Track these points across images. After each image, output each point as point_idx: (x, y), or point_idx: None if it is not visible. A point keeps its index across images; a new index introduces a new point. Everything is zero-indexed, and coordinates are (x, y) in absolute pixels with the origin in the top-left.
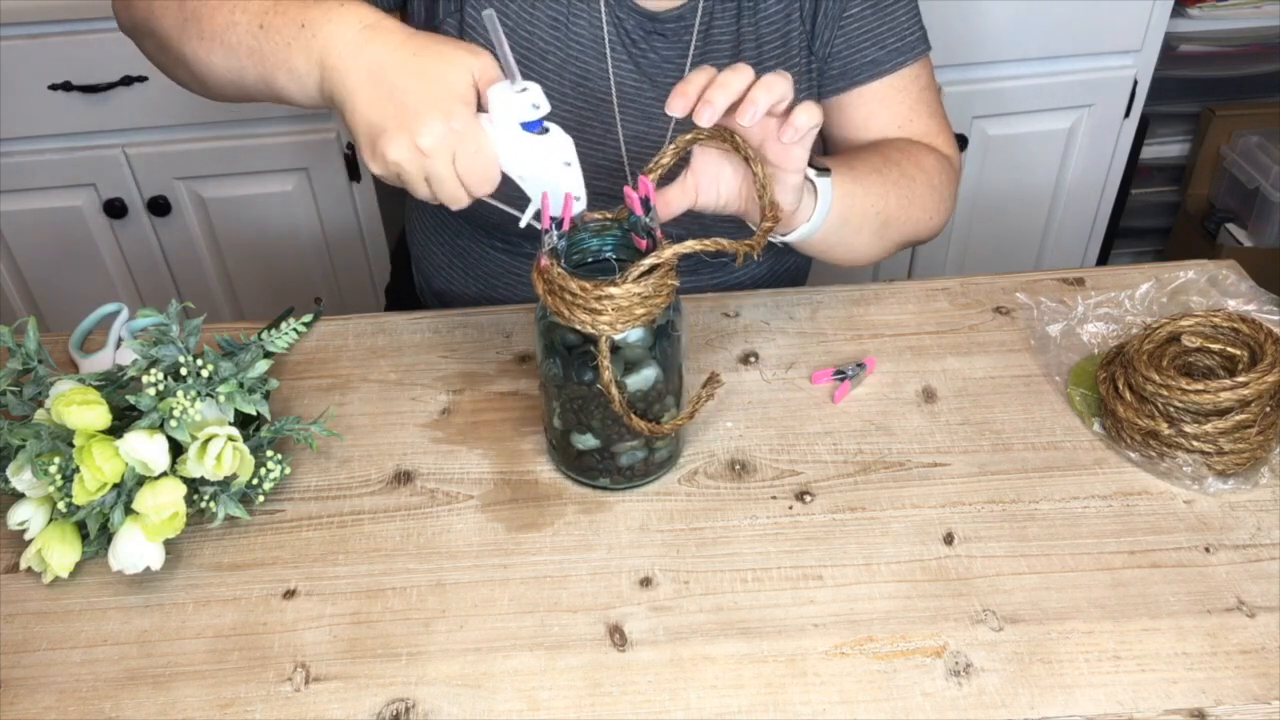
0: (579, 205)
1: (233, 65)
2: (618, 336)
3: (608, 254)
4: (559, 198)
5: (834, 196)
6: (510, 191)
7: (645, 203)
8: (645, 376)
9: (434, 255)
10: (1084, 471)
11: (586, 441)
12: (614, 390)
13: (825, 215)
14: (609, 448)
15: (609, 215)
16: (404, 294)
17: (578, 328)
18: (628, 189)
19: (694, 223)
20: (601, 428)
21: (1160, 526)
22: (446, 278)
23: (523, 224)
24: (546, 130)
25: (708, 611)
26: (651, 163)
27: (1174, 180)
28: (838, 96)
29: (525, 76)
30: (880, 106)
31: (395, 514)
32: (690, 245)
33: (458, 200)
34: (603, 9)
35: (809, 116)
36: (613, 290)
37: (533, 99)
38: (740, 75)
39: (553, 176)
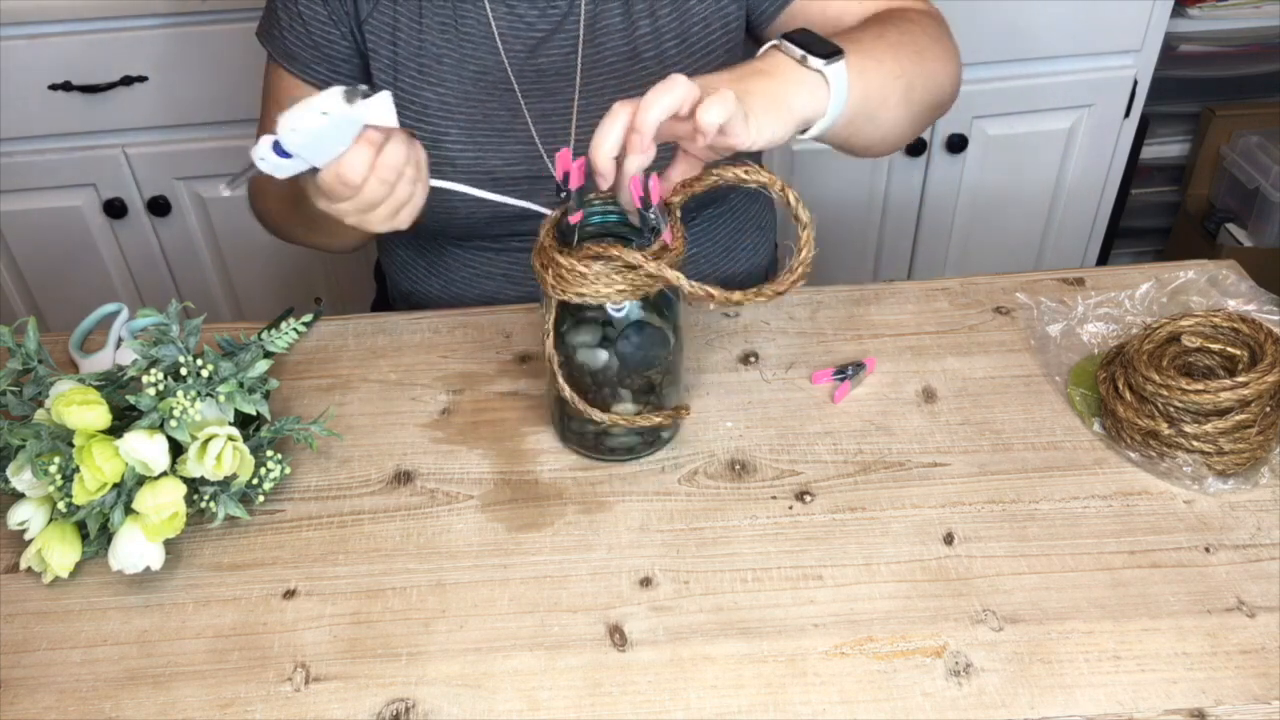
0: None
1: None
2: (614, 311)
3: (612, 220)
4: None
5: (853, 79)
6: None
7: (645, 200)
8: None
9: (397, 255)
10: (1084, 471)
11: (597, 358)
12: (554, 365)
13: (844, 101)
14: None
15: (609, 195)
16: (386, 309)
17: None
18: (634, 182)
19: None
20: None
21: (1160, 526)
22: (410, 276)
23: (236, 183)
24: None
25: (708, 611)
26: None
27: (1174, 180)
28: (781, 15)
29: (425, 80)
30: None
31: (395, 514)
32: (688, 286)
33: (401, 217)
34: (487, 2)
35: (717, 112)
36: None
37: (296, 113)
38: (619, 113)
39: (324, 138)
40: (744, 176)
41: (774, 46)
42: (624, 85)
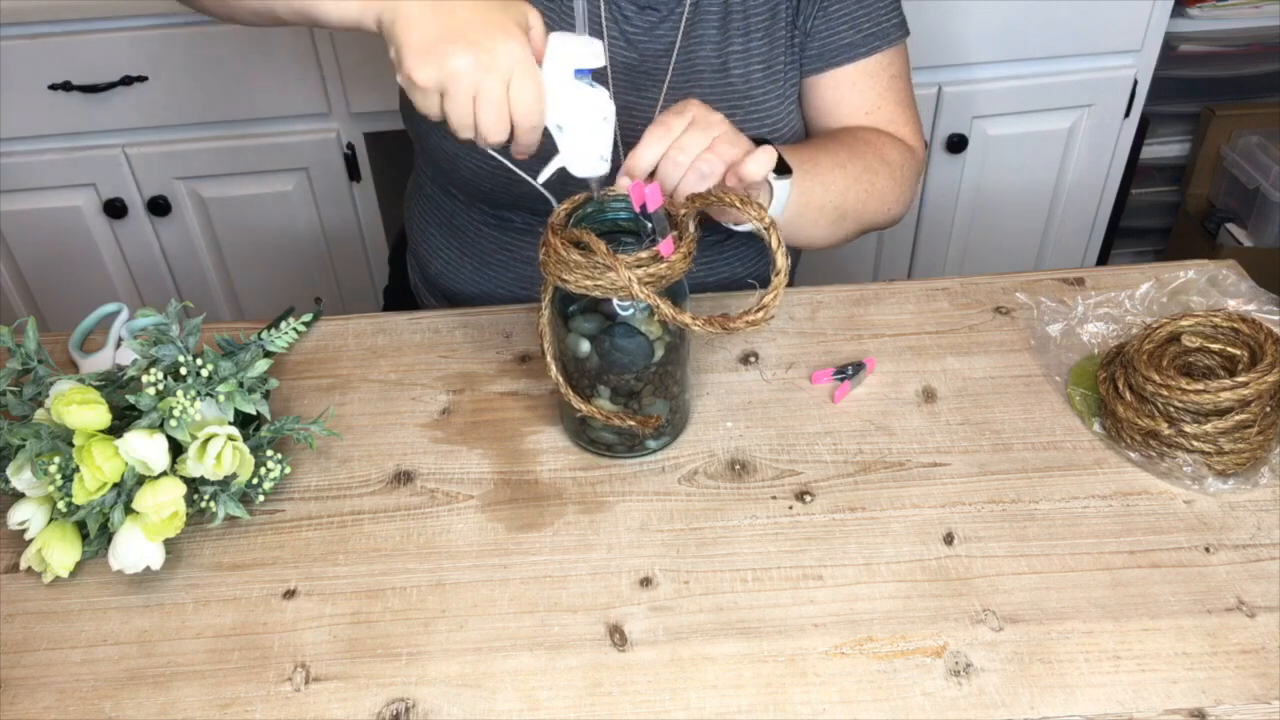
0: (603, 168)
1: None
2: (620, 307)
3: (623, 221)
4: (588, 156)
5: (791, 195)
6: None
7: (643, 208)
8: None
9: (431, 237)
10: (1084, 471)
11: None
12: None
13: (779, 213)
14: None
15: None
16: (402, 295)
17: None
18: (634, 186)
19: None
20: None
21: (1160, 526)
22: (443, 259)
23: (541, 180)
24: (593, 86)
25: (708, 611)
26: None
27: (1174, 180)
28: (812, 77)
29: None
30: (851, 90)
31: (395, 514)
32: (640, 295)
33: (496, 128)
34: None
35: (758, 167)
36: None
37: (594, 48)
38: (654, 142)
39: (589, 130)
40: (739, 206)
41: None
42: (709, 96)
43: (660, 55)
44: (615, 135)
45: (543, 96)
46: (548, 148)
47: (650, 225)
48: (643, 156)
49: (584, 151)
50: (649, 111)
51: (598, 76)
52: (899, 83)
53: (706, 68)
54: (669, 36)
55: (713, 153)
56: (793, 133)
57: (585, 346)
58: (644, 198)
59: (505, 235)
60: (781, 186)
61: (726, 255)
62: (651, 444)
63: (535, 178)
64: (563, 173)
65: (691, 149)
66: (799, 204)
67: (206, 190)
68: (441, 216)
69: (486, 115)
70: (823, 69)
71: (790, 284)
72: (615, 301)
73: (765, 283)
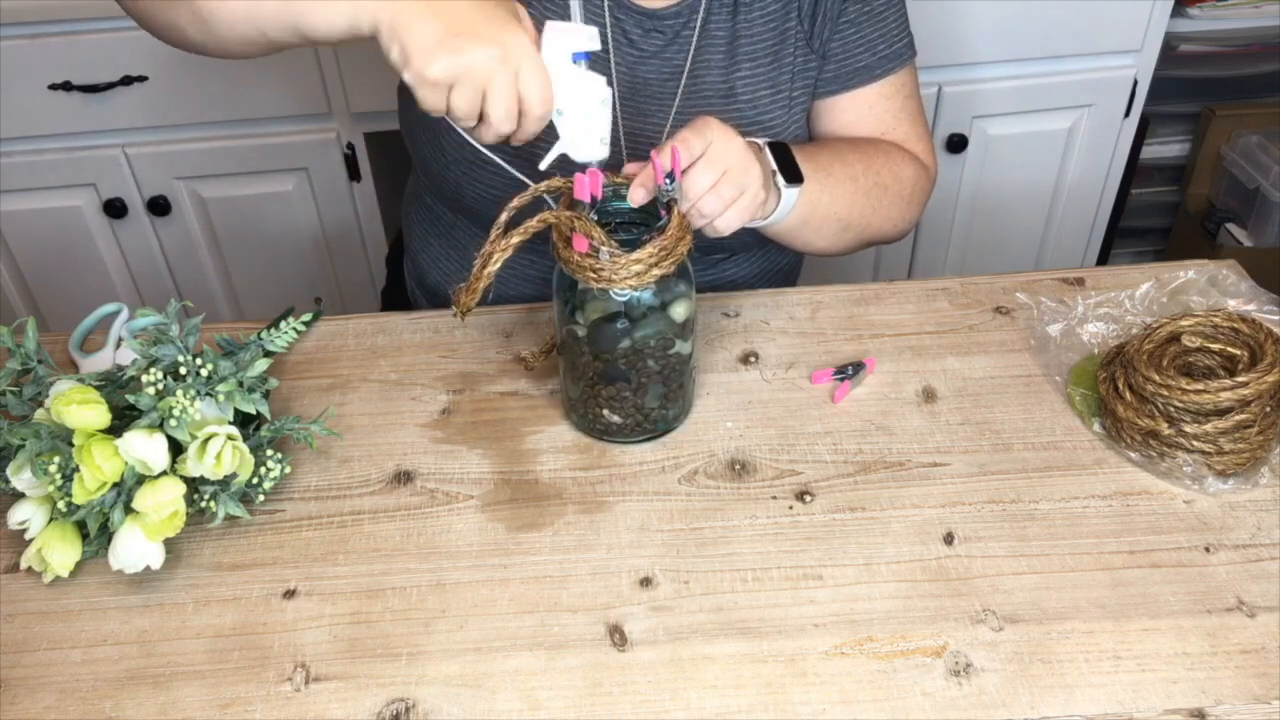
0: (602, 151)
1: None
2: (619, 295)
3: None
4: (588, 140)
5: (799, 203)
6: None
7: (670, 175)
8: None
9: (431, 247)
10: (1084, 471)
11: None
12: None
13: (783, 218)
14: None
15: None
16: (398, 298)
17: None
18: (655, 156)
19: None
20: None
21: (1160, 526)
22: (442, 270)
23: (544, 165)
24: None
25: (708, 611)
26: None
27: (1174, 180)
28: (827, 99)
29: None
30: (867, 112)
31: (395, 514)
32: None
33: (507, 119)
34: (606, 9)
35: (726, 226)
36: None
37: (590, 32)
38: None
39: (589, 114)
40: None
41: (756, 144)
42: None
43: (668, 79)
44: (615, 113)
45: (549, 84)
46: (546, 138)
47: (669, 189)
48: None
49: (584, 137)
50: (654, 137)
51: (594, 66)
52: (912, 102)
53: (714, 92)
54: (676, 60)
55: (715, 195)
56: None
57: (579, 324)
58: (588, 188)
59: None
60: (790, 195)
61: (736, 258)
62: (658, 425)
63: (520, 186)
64: (561, 166)
65: (699, 185)
66: (804, 212)
67: (206, 190)
68: (441, 228)
69: (497, 107)
70: (838, 91)
71: (791, 284)
72: (612, 290)
73: (768, 282)
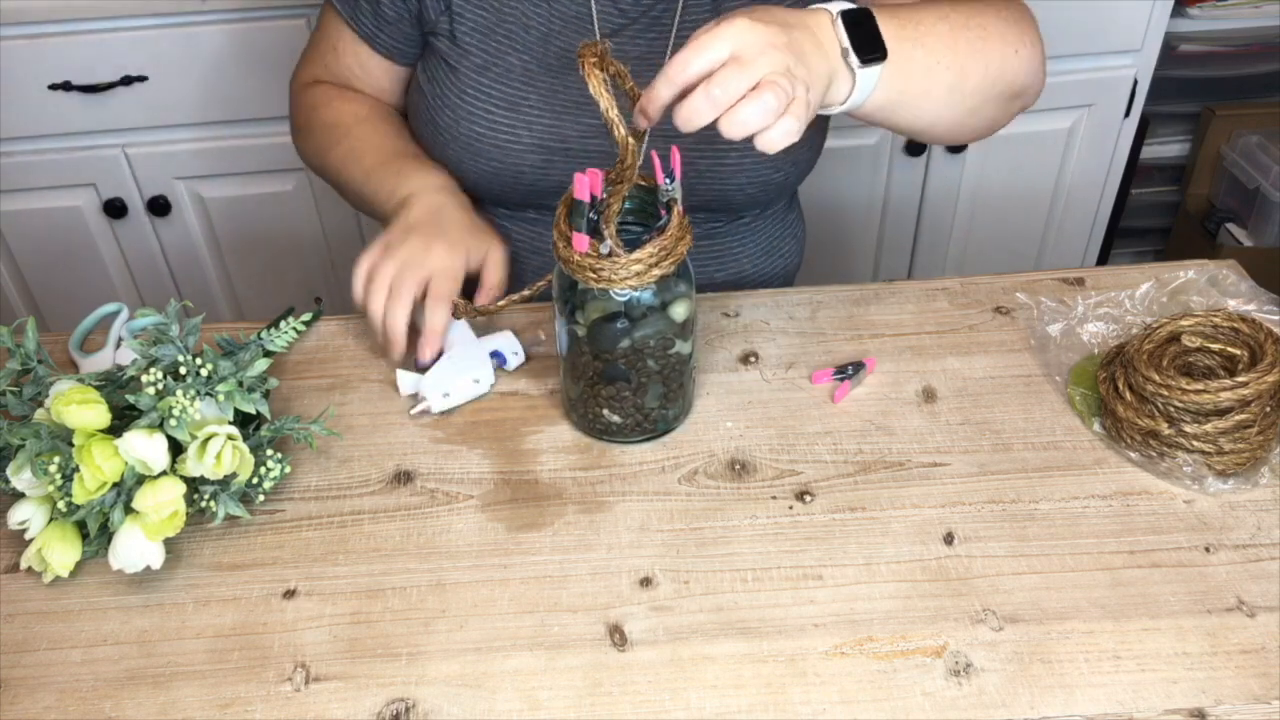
0: (443, 404)
1: (348, 196)
2: (619, 295)
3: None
4: (466, 376)
5: (886, 74)
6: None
7: (670, 175)
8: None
9: None
10: (1084, 471)
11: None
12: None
13: (865, 97)
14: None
15: (643, 180)
16: None
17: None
18: (577, 178)
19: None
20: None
21: (1160, 526)
22: None
23: (414, 411)
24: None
25: (708, 611)
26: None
27: (1174, 180)
28: None
29: (512, 46)
30: None
31: (395, 514)
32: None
33: (400, 315)
34: None
35: (781, 140)
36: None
37: (513, 349)
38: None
39: (464, 376)
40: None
41: (827, 16)
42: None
43: (652, 41)
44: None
45: (455, 288)
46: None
47: (669, 189)
48: (659, 96)
49: (445, 384)
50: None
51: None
52: None
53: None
54: (660, 21)
55: (757, 103)
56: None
57: (578, 324)
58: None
59: (519, 227)
60: (869, 74)
61: (735, 252)
62: (658, 425)
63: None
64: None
65: (731, 90)
66: (900, 84)
67: (206, 190)
68: None
69: (398, 303)
70: None
71: (790, 284)
72: (613, 291)
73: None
